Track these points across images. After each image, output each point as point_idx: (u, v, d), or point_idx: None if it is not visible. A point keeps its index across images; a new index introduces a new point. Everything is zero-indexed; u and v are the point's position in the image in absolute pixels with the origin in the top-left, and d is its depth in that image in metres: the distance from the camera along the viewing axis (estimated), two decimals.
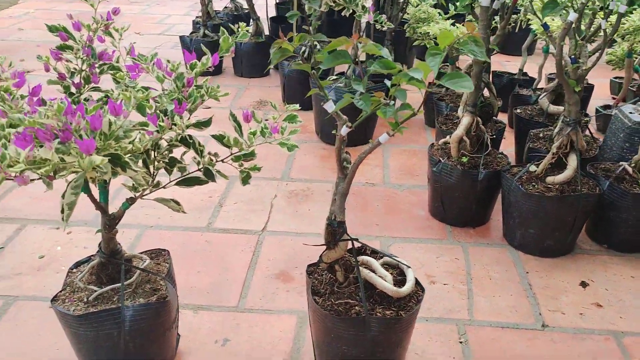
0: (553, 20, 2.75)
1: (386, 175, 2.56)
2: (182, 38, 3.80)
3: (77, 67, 1.26)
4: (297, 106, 1.39)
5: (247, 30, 1.32)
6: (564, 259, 2.00)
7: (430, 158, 2.15)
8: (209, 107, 3.28)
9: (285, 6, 4.51)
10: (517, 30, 4.03)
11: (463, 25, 2.90)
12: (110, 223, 1.22)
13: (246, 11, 4.40)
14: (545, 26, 1.99)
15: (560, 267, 1.96)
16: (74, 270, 1.44)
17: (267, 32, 4.12)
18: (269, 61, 1.34)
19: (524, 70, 3.24)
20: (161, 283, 1.40)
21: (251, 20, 3.75)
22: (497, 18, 2.74)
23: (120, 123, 0.92)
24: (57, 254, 1.94)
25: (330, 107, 1.37)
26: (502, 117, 3.16)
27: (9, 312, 1.66)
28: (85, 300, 1.32)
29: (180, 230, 2.09)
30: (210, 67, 1.26)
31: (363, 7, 2.25)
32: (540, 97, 2.51)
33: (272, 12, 4.80)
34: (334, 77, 2.88)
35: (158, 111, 1.15)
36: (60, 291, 1.36)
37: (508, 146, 2.84)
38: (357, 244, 1.43)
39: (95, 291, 1.32)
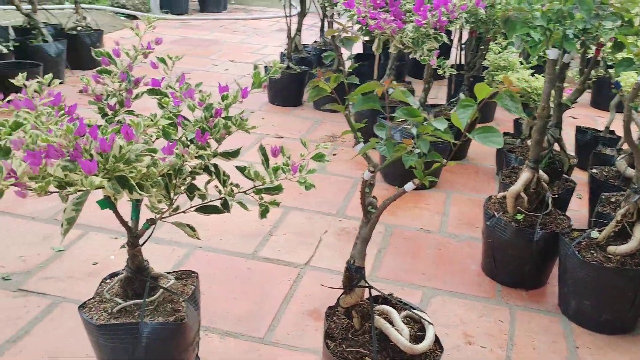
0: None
1: (444, 223, 2.48)
2: (266, 69, 3.94)
3: (114, 90, 1.34)
4: (328, 146, 1.39)
5: (278, 68, 1.34)
6: (623, 338, 1.82)
7: (485, 211, 2.06)
8: (282, 137, 3.36)
9: (371, 40, 4.56)
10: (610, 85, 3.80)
11: (544, 76, 2.79)
12: (133, 241, 1.28)
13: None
14: (617, 84, 1.86)
15: (617, 346, 1.79)
16: (108, 280, 1.51)
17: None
18: (307, 97, 1.36)
19: (611, 128, 3.04)
20: (182, 304, 1.43)
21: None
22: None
23: (130, 147, 0.96)
24: (110, 262, 2.04)
25: (358, 148, 1.36)
26: (582, 175, 2.98)
27: (53, 312, 1.77)
28: (110, 311, 1.38)
29: (226, 254, 2.14)
30: (240, 100, 1.29)
31: (429, 51, 2.22)
32: (618, 158, 2.34)
33: (359, 49, 4.87)
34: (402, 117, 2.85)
35: (184, 138, 1.20)
36: (90, 299, 1.43)
37: (582, 207, 2.67)
38: (374, 292, 1.39)
39: (120, 304, 1.38)
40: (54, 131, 0.91)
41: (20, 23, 4.36)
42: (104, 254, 2.09)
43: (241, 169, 1.30)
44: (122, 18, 6.60)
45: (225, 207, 1.26)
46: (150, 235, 1.32)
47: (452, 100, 3.20)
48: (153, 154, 1.00)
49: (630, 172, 2.30)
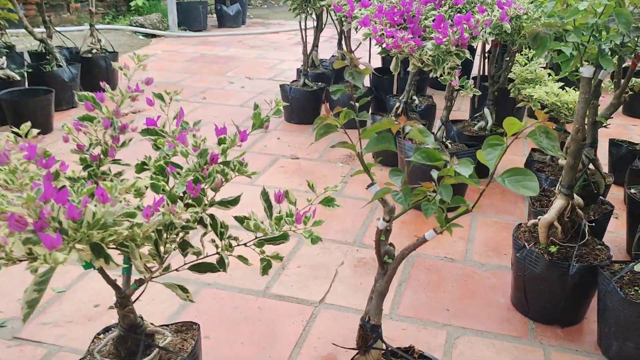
0: None
1: (469, 250, 2.32)
2: (282, 87, 3.83)
3: (98, 138, 1.23)
4: (338, 187, 1.26)
5: (281, 108, 1.21)
6: None
7: (515, 241, 1.89)
8: (297, 158, 3.23)
9: (389, 56, 4.41)
10: None
11: (574, 89, 2.61)
12: (122, 301, 1.15)
13: None
14: None
15: None
16: (101, 335, 1.39)
17: (367, 84, 4.03)
18: (314, 135, 1.23)
19: None
20: None
21: None
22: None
23: (105, 210, 0.84)
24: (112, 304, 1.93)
25: (373, 190, 1.22)
26: (618, 191, 2.78)
27: None
28: None
29: (236, 292, 2.01)
30: (239, 144, 1.16)
31: (451, 68, 2.07)
32: None
33: (378, 63, 4.73)
34: None
35: (175, 190, 1.07)
36: (81, 359, 1.32)
37: (619, 228, 2.47)
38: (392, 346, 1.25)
39: None
40: (15, 199, 0.79)
41: (35, 48, 4.33)
42: (106, 295, 1.98)
43: (240, 220, 1.17)
44: (141, 37, 6.57)
45: (222, 265, 1.13)
46: (141, 293, 1.20)
47: (475, 115, 3.03)
48: (131, 219, 0.87)
49: None
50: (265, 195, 1.23)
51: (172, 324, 1.43)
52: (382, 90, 3.79)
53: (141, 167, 1.25)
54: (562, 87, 2.64)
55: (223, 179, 1.15)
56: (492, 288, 2.07)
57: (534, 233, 1.91)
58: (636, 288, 1.62)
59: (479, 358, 1.72)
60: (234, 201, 1.19)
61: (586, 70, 1.71)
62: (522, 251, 1.85)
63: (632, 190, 2.27)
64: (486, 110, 2.90)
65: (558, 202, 1.81)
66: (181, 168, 1.14)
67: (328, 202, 1.22)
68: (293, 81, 3.97)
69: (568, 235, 1.82)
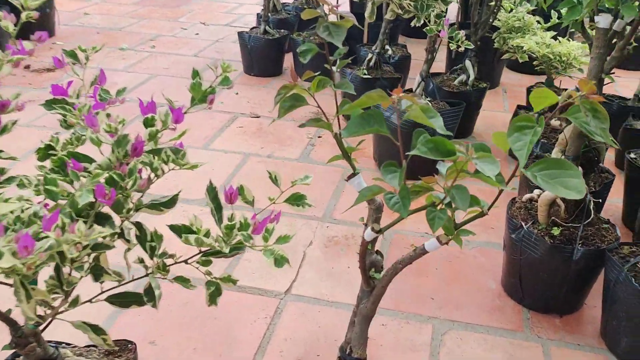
0: None
1: None
2: (240, 35, 3.43)
3: None
4: (309, 178, 0.97)
5: (228, 76, 0.89)
6: None
7: (510, 221, 1.65)
8: (258, 116, 2.90)
9: (362, 1, 4.04)
10: None
11: (568, 39, 2.33)
12: (19, 341, 0.85)
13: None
14: None
15: None
16: None
17: None
18: (278, 110, 0.92)
19: None
20: None
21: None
22: None
23: None
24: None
25: (359, 185, 0.93)
26: (609, 152, 2.56)
27: None
28: None
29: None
30: (172, 127, 0.84)
31: (437, 16, 1.76)
32: None
33: (345, 7, 4.35)
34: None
35: (79, 196, 0.75)
36: None
37: (614, 195, 2.26)
38: None
39: None
40: None
41: None
42: None
43: (176, 230, 0.86)
44: None
45: (150, 296, 0.83)
46: (43, 329, 0.90)
47: (455, 67, 2.74)
48: None
49: None
50: (212, 192, 0.92)
51: (100, 347, 1.13)
52: (351, 38, 3.43)
53: (45, 153, 0.92)
54: (555, 37, 2.37)
55: (152, 176, 0.84)
56: (481, 269, 1.84)
57: (531, 210, 1.67)
58: None
59: (470, 358, 1.50)
60: (170, 202, 0.89)
61: (603, 20, 1.43)
62: (518, 232, 1.61)
63: (632, 155, 2.05)
64: (467, 63, 2.60)
65: None
66: (92, 162, 0.82)
67: (297, 200, 0.93)
68: (252, 28, 3.57)
69: (572, 214, 1.58)
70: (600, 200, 1.85)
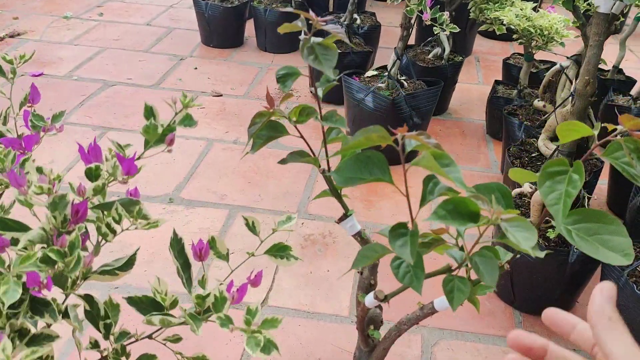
0: None
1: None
2: (196, 2, 3.16)
3: None
4: (293, 220, 0.82)
5: (191, 115, 0.72)
6: None
7: None
8: (221, 95, 2.69)
9: None
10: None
11: (549, 10, 2.19)
12: None
13: None
14: None
15: None
16: None
17: None
18: (252, 143, 0.76)
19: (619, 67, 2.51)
20: None
21: None
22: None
23: None
24: None
25: (352, 228, 0.79)
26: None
27: None
28: None
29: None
30: (122, 179, 0.67)
31: None
32: None
33: None
34: (373, 71, 2.24)
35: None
36: None
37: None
38: None
39: None
40: None
41: None
42: None
43: (136, 303, 0.71)
44: None
45: None
46: None
47: (429, 39, 2.58)
48: None
49: None
50: (176, 244, 0.76)
51: None
52: (317, 5, 3.22)
53: None
54: (534, 9, 2.23)
55: (101, 240, 0.67)
56: None
57: (522, 207, 1.56)
58: None
59: None
60: (126, 265, 0.72)
61: (604, 4, 1.29)
62: None
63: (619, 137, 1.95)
64: (442, 35, 2.44)
65: None
66: (27, 229, 0.64)
67: (280, 251, 0.78)
68: None
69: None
70: (591, 182, 1.76)
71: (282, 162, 0.76)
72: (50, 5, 3.71)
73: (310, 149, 0.79)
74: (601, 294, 0.40)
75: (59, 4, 3.76)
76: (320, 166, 0.77)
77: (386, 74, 2.10)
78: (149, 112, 0.67)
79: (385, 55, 3.12)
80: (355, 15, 2.70)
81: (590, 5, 1.77)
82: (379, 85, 2.10)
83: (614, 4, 1.30)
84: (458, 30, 1.86)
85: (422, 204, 0.66)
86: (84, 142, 2.25)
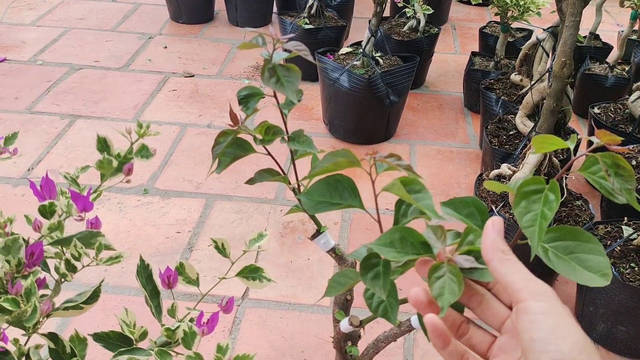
0: None
1: None
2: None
3: None
4: (264, 237, 0.79)
5: (147, 147, 0.67)
6: None
7: None
8: (192, 75, 2.62)
9: None
10: None
11: None
12: None
13: None
14: None
15: None
16: None
17: None
18: (217, 163, 0.72)
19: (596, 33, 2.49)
20: None
21: None
22: None
23: None
24: None
25: (326, 244, 0.77)
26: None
27: None
28: None
29: (133, 293, 1.54)
30: (78, 217, 0.63)
31: None
32: (632, 100, 1.81)
33: None
34: (347, 49, 2.18)
35: None
36: None
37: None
38: None
39: None
40: None
41: None
42: None
43: (101, 339, 0.68)
44: None
45: None
46: None
47: (403, 10, 2.51)
48: None
49: None
50: (144, 271, 0.73)
51: None
52: None
53: None
54: None
55: (61, 280, 0.64)
56: None
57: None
58: (632, 264, 1.33)
59: None
60: (91, 298, 0.69)
61: None
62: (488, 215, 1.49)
63: (596, 110, 1.94)
64: (417, 6, 2.38)
65: (534, 156, 1.43)
66: None
67: (252, 272, 0.76)
68: None
69: None
70: (563, 162, 1.75)
71: (250, 182, 0.73)
72: None
73: (279, 166, 0.76)
74: (493, 229, 0.42)
75: None
76: (290, 183, 0.74)
77: (361, 51, 2.05)
78: (102, 145, 0.62)
79: (361, 26, 3.06)
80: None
81: None
82: (354, 63, 2.05)
83: None
84: (432, 11, 1.80)
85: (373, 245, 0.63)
86: (53, 132, 2.19)
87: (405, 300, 0.70)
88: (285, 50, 0.62)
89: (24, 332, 0.64)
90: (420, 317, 0.72)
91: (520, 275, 0.40)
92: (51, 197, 0.62)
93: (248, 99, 0.65)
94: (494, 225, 0.43)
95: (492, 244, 0.41)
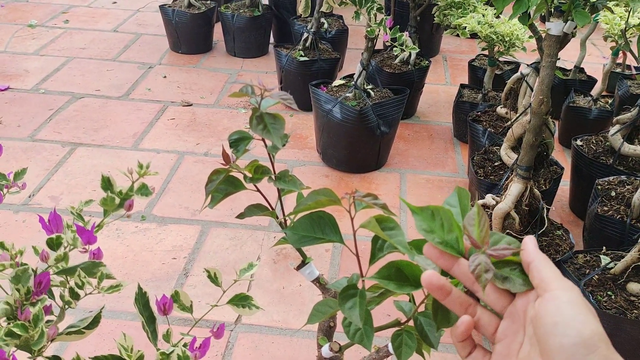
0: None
1: (402, 223, 2.01)
2: (163, 9, 3.15)
3: None
4: (254, 267, 0.85)
5: (147, 185, 0.74)
6: None
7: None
8: (191, 104, 2.70)
9: None
10: None
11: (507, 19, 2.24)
12: None
13: None
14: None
15: None
16: None
17: (266, 0, 3.43)
18: (210, 198, 0.78)
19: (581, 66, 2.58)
20: None
21: None
22: None
23: None
24: None
25: (311, 274, 0.83)
26: None
27: None
28: None
29: (130, 318, 1.59)
30: (82, 249, 0.70)
31: (379, 9, 1.61)
32: (612, 133, 1.89)
33: None
34: (340, 81, 2.26)
35: None
36: None
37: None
38: None
39: None
40: None
41: None
42: None
43: None
44: None
45: None
46: None
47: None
48: None
49: (629, 149, 1.86)
50: (141, 298, 0.79)
51: None
52: (284, 9, 3.23)
53: None
54: (497, 16, 2.27)
55: (65, 307, 0.70)
56: None
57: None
58: (609, 293, 1.39)
59: None
60: (93, 323, 0.75)
61: (554, 27, 1.34)
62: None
63: (579, 142, 2.02)
64: (407, 38, 2.47)
65: (515, 187, 1.50)
66: None
67: (242, 301, 0.81)
68: (174, 0, 3.29)
69: (527, 226, 1.53)
70: (550, 191, 1.81)
71: (240, 216, 0.79)
72: (14, 13, 3.66)
73: (268, 202, 0.82)
74: (532, 242, 0.49)
75: (23, 11, 3.71)
76: (277, 218, 0.80)
77: (353, 83, 2.13)
78: (106, 184, 0.69)
79: (355, 57, 3.15)
80: (323, 20, 2.71)
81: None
82: (347, 95, 2.13)
83: (564, 26, 1.34)
84: (418, 50, 1.89)
85: (371, 261, 0.69)
86: (54, 159, 2.26)
87: (381, 328, 0.76)
88: (269, 97, 0.69)
89: (29, 355, 0.70)
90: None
91: (555, 273, 0.46)
92: (58, 230, 0.69)
93: (238, 142, 0.72)
94: (531, 239, 0.49)
95: (535, 250, 0.48)
